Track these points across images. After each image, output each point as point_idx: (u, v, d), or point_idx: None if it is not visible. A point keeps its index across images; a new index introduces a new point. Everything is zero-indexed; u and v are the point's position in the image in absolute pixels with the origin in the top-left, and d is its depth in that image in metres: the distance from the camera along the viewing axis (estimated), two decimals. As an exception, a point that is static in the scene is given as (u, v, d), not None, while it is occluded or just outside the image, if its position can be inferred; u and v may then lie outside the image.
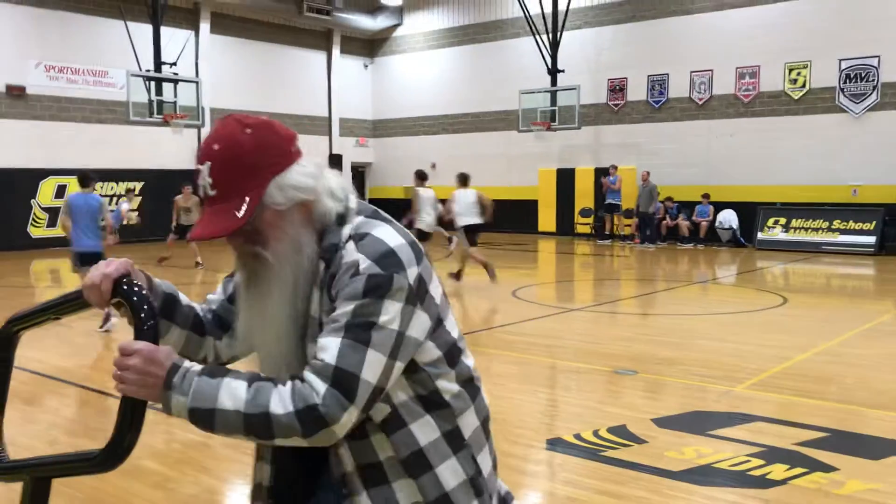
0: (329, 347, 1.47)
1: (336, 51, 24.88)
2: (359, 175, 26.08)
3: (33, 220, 18.35)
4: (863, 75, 17.14)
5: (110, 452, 1.48)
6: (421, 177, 12.38)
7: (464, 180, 12.00)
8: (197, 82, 19.03)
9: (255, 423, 1.44)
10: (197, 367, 1.49)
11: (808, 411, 5.38)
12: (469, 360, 1.71)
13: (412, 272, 1.53)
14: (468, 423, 1.66)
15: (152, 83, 18.08)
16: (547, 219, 22.04)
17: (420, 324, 1.55)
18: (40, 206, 18.38)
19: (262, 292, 1.59)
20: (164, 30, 18.64)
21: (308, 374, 1.47)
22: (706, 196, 18.82)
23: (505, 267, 14.70)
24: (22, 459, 1.70)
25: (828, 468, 4.31)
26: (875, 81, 17.00)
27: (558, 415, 5.58)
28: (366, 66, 26.06)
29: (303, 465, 1.66)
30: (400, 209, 24.34)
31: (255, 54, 22.80)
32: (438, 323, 1.62)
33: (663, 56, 19.87)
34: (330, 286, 1.53)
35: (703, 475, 4.23)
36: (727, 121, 19.01)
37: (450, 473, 1.61)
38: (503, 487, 1.82)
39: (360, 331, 1.47)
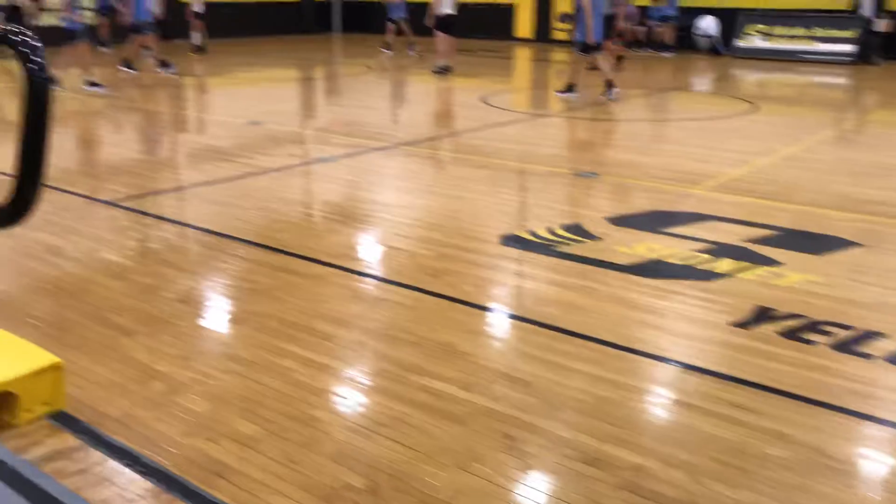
0: None
1: None
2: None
3: None
4: None
5: (14, 206, 1.47)
6: None
7: None
8: None
9: None
10: None
11: (764, 212, 5.47)
12: None
13: None
14: None
15: None
16: (524, 24, 21.26)
17: None
18: None
19: None
20: None
21: None
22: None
23: (475, 75, 14.32)
24: None
25: (772, 262, 4.44)
26: None
27: (516, 214, 5.64)
28: None
29: None
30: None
31: None
32: None
33: None
34: None
35: (650, 269, 4.34)
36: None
37: None
38: None
39: None
